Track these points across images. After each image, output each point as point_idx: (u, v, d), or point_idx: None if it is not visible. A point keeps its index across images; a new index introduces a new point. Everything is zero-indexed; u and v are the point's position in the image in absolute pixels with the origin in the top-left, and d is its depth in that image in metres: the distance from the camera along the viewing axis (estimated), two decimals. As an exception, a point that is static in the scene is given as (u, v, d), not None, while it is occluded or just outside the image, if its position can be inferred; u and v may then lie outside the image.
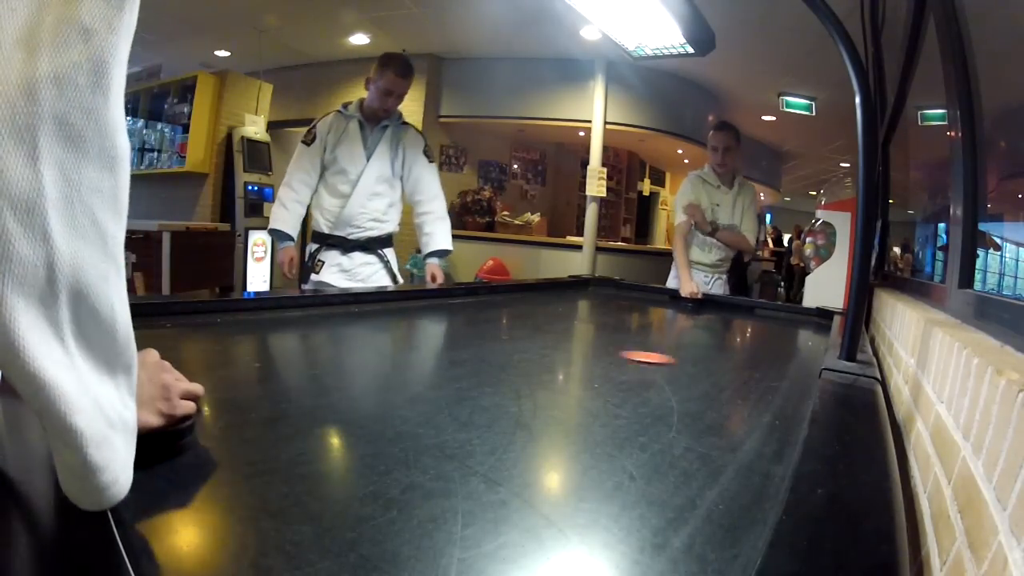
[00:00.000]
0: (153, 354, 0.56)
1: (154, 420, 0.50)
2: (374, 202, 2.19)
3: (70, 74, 0.30)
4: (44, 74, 0.29)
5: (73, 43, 0.30)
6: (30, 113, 0.29)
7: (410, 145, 2.25)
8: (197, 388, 0.56)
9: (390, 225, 2.25)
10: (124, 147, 0.34)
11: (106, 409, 0.35)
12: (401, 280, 2.38)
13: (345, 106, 2.22)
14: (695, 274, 2.54)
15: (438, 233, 2.27)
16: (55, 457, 0.35)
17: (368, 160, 2.17)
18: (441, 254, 2.26)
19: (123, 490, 0.37)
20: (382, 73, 2.09)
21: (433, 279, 2.17)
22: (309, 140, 2.17)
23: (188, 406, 0.54)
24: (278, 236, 2.15)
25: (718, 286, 2.60)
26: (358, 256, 2.18)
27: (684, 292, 2.22)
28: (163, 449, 0.51)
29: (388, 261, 2.25)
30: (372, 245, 2.21)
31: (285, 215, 2.15)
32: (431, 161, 2.31)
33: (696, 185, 2.62)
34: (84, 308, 0.33)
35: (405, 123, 2.27)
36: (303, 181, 2.16)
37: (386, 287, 2.07)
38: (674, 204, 2.75)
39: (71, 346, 0.33)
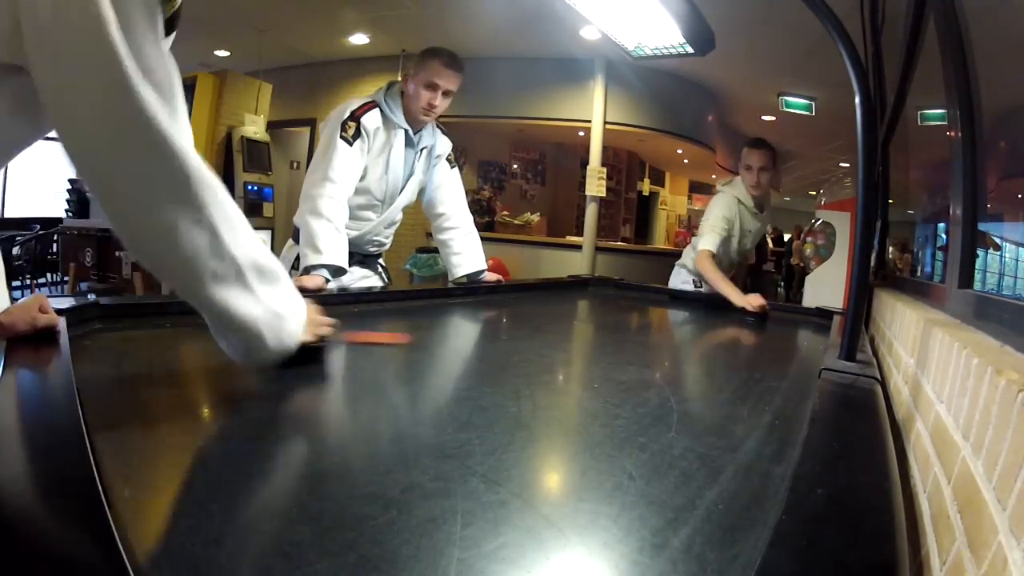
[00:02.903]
0: (313, 306, 0.86)
1: (309, 337, 0.83)
2: (390, 229, 1.92)
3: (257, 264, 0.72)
4: (246, 264, 0.69)
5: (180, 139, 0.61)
6: (247, 284, 0.70)
7: (440, 152, 1.91)
8: (332, 320, 0.90)
9: (389, 242, 1.98)
10: (218, 181, 0.67)
11: (275, 305, 0.74)
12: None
13: (387, 103, 1.72)
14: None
15: (468, 252, 1.94)
16: (247, 348, 0.74)
17: (402, 188, 1.82)
18: (474, 277, 1.94)
19: (297, 341, 0.79)
20: (424, 64, 1.68)
21: None
22: (352, 136, 1.64)
23: (327, 330, 0.88)
24: (331, 271, 1.58)
25: None
26: (357, 271, 1.85)
27: (746, 304, 1.88)
28: (312, 355, 0.84)
29: (381, 273, 1.98)
30: (370, 261, 1.93)
31: (340, 242, 1.62)
32: (453, 167, 1.96)
33: (733, 206, 2.32)
34: (266, 275, 0.73)
35: (438, 127, 1.89)
36: (350, 191, 1.68)
37: (385, 287, 2.06)
38: (705, 221, 2.35)
39: (257, 290, 0.71)
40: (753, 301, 1.87)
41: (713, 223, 2.28)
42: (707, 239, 2.22)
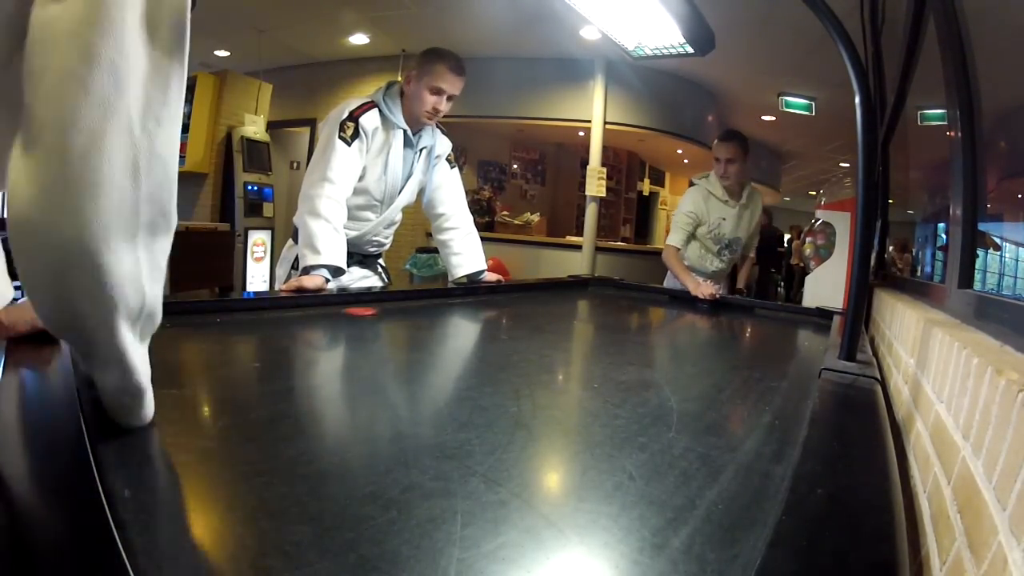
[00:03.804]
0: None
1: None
2: (390, 230, 1.93)
3: (156, 192, 0.47)
4: (143, 194, 0.46)
5: (157, 169, 0.47)
6: (135, 224, 0.46)
7: (439, 153, 1.91)
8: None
9: (389, 243, 1.99)
10: (175, 217, 0.52)
11: (146, 370, 0.56)
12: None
13: (386, 103, 1.72)
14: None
15: (468, 252, 1.95)
16: (122, 406, 0.55)
17: (401, 189, 1.82)
18: (474, 277, 1.95)
19: (152, 412, 0.58)
20: (430, 67, 1.68)
21: None
22: (350, 136, 1.65)
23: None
24: (330, 271, 1.58)
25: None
26: (356, 271, 1.86)
27: (698, 292, 2.15)
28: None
29: (380, 273, 1.98)
30: (369, 261, 1.94)
31: (338, 243, 1.62)
32: (453, 167, 1.97)
33: (699, 199, 2.49)
34: (150, 321, 0.53)
35: (438, 127, 1.89)
36: (349, 191, 1.67)
37: (385, 287, 2.06)
38: (674, 217, 2.61)
39: (140, 342, 0.53)
40: (705, 290, 2.16)
41: (676, 219, 2.54)
42: (672, 235, 2.53)
